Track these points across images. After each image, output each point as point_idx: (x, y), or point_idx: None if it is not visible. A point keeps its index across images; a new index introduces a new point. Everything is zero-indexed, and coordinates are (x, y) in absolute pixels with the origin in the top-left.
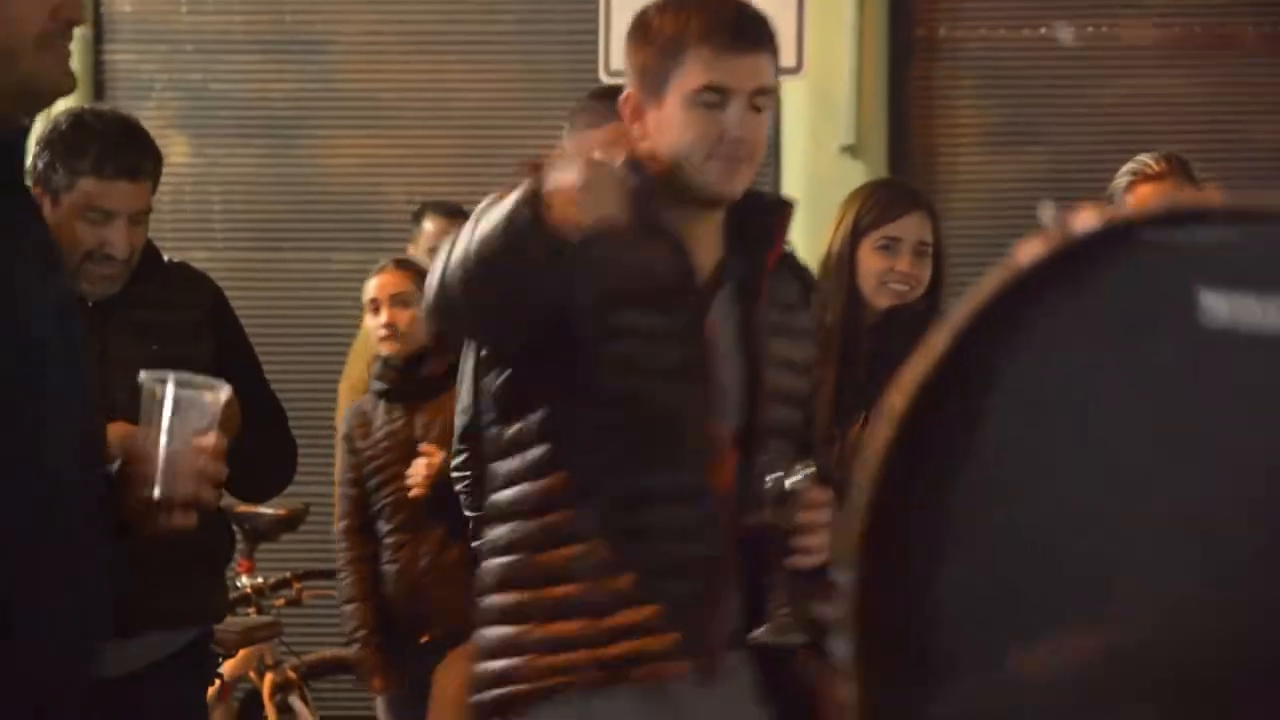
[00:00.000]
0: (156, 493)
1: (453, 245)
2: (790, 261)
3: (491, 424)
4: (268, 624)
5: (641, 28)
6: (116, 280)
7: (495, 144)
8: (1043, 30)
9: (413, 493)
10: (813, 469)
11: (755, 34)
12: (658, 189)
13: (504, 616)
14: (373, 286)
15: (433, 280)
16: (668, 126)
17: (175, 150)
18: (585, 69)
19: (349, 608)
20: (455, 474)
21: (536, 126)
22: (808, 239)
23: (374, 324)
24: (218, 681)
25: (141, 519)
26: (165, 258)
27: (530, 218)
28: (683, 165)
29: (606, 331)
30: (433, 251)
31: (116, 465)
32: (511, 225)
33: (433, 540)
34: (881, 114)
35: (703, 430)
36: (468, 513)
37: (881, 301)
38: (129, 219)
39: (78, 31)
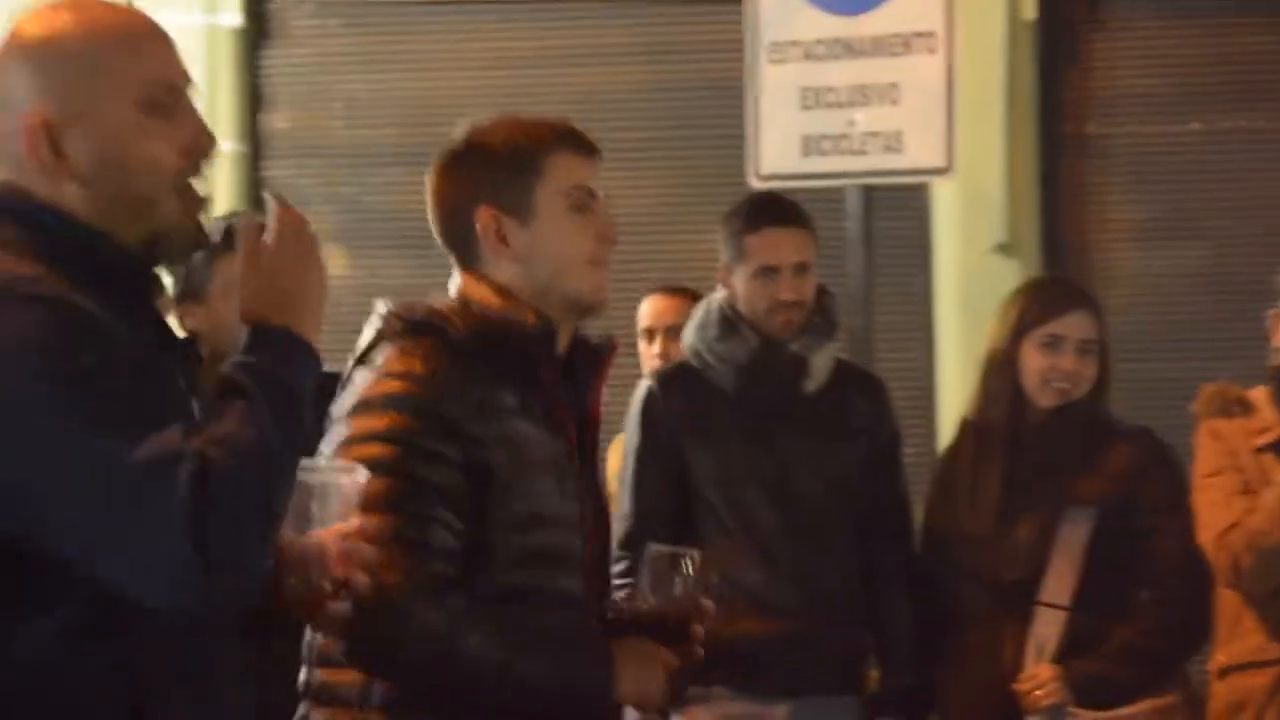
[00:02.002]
0: (294, 580)
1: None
2: None
3: None
4: None
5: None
6: None
7: (651, 248)
8: (1193, 125)
9: None
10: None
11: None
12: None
13: None
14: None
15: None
16: (546, 239)
17: (333, 262)
18: (733, 173)
19: None
20: (618, 582)
21: (688, 230)
22: (962, 338)
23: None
24: None
25: (295, 610)
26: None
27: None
28: (563, 279)
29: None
30: (657, 332)
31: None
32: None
33: None
34: (1034, 211)
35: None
36: None
37: (1045, 400)
38: None
39: (236, 148)
